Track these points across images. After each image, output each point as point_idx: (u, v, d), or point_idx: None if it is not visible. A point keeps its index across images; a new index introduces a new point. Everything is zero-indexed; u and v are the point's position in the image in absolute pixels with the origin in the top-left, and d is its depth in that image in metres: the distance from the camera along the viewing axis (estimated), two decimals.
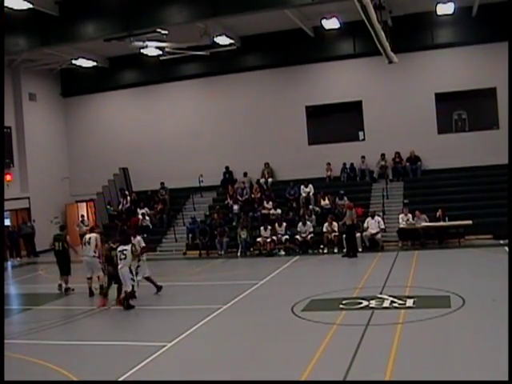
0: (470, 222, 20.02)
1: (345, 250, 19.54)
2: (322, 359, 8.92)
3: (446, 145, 23.99)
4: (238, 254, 21.61)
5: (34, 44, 20.59)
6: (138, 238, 15.40)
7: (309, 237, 20.78)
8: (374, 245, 20.30)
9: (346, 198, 22.12)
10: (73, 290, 16.17)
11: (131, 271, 13.47)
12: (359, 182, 24.70)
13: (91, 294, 15.22)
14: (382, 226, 20.55)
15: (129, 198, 26.61)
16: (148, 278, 15.00)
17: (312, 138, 25.85)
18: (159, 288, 15.02)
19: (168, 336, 10.68)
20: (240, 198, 24.52)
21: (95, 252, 15.22)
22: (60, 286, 16.28)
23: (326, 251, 20.48)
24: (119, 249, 13.58)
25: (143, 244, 15.14)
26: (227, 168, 26.35)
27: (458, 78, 23.93)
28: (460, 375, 7.91)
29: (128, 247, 13.57)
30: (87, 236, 15.58)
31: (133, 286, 13.44)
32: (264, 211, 23.26)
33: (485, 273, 14.98)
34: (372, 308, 11.85)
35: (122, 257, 13.43)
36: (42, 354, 10.28)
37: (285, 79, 26.01)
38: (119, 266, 13.49)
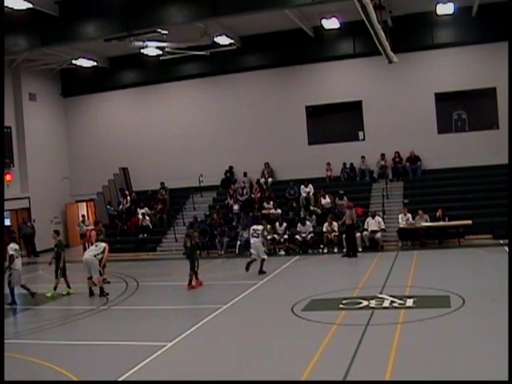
0: (470, 221, 20.01)
1: (345, 250, 19.54)
2: (322, 359, 8.92)
3: (445, 145, 23.99)
4: (237, 251, 21.56)
5: (34, 44, 20.59)
6: (11, 245, 15.19)
7: (309, 237, 20.77)
8: (374, 245, 20.30)
9: (345, 198, 22.12)
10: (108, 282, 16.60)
11: (264, 244, 17.28)
12: (359, 182, 24.69)
13: (91, 293, 15.24)
14: (383, 226, 20.56)
15: (129, 197, 26.61)
16: (24, 286, 15.00)
17: (312, 137, 25.85)
18: (33, 295, 14.93)
19: (168, 336, 10.68)
20: (240, 198, 24.51)
21: (97, 254, 15.31)
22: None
23: (325, 251, 20.48)
24: (253, 227, 17.28)
25: (11, 252, 14.92)
26: (231, 168, 26.32)
27: (458, 78, 23.92)
28: (460, 375, 7.91)
29: (260, 227, 17.34)
30: (102, 243, 15.77)
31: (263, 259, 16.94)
32: (264, 211, 23.26)
33: (485, 273, 15.00)
34: (372, 308, 11.85)
35: (255, 234, 16.99)
36: (42, 354, 10.28)
37: (285, 79, 26.01)
38: (252, 241, 16.99)
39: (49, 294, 15.56)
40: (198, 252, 16.99)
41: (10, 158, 25.78)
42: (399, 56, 21.03)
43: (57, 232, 17.02)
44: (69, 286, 15.92)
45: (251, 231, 17.26)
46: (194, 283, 15.42)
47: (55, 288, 15.68)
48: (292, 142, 25.75)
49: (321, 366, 8.66)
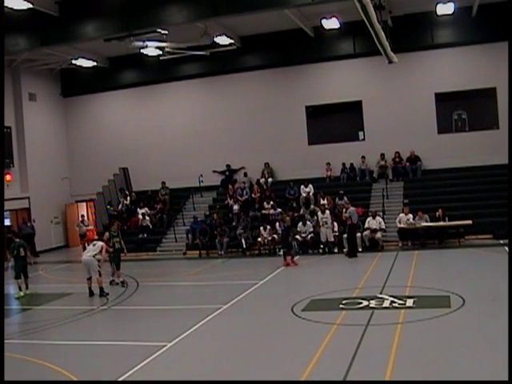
0: (470, 221, 20.01)
1: (345, 250, 19.56)
2: (322, 359, 8.92)
3: (445, 145, 23.98)
4: (244, 246, 21.73)
5: (34, 44, 20.57)
6: None
7: (309, 237, 20.76)
8: (374, 245, 20.30)
9: (345, 198, 22.12)
10: (122, 282, 16.62)
11: (332, 230, 20.19)
12: (359, 182, 24.69)
13: (91, 294, 15.24)
14: (383, 227, 20.55)
15: (129, 197, 26.61)
16: None
17: (312, 137, 25.85)
18: None
19: (168, 336, 10.68)
20: (240, 198, 24.52)
21: (95, 255, 15.32)
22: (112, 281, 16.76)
23: (326, 251, 20.45)
24: (320, 217, 20.34)
25: None
26: (228, 166, 26.30)
27: (458, 78, 23.93)
28: (460, 375, 7.91)
29: (326, 215, 20.18)
30: (98, 242, 15.83)
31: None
32: (264, 211, 23.27)
33: (485, 273, 14.98)
34: (372, 308, 11.85)
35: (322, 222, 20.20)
36: (42, 354, 10.30)
37: (285, 79, 26.00)
38: (322, 231, 19.97)
39: (16, 296, 16.17)
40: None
41: (10, 158, 25.77)
42: (399, 56, 21.02)
43: (15, 234, 17.81)
44: (20, 289, 16.28)
45: (320, 220, 20.14)
46: (288, 261, 18.19)
47: (20, 289, 16.25)
48: (292, 142, 25.76)
49: (321, 366, 8.65)
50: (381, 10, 17.42)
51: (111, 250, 16.53)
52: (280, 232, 19.88)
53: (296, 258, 19.85)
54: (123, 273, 18.46)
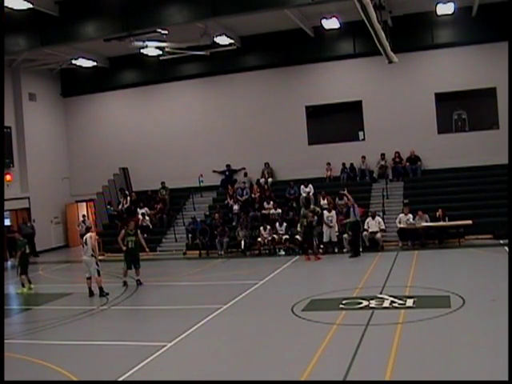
0: (470, 221, 20.01)
1: (344, 250, 19.59)
2: (322, 359, 8.92)
3: (446, 145, 23.98)
4: (242, 247, 21.64)
5: (34, 44, 20.56)
6: None
7: None
8: (374, 245, 20.29)
9: (345, 198, 22.09)
10: (124, 282, 16.52)
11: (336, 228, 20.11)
12: (359, 182, 24.68)
13: (91, 293, 15.23)
14: (383, 227, 20.53)
15: (129, 198, 26.60)
16: None
17: (312, 138, 25.84)
18: None
19: (168, 336, 10.68)
20: (240, 198, 24.52)
21: (93, 251, 15.32)
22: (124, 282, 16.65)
23: (326, 251, 20.44)
24: (326, 215, 19.91)
25: None
26: (228, 166, 26.32)
27: (457, 78, 23.92)
28: (460, 375, 7.91)
29: (332, 214, 20.08)
30: (85, 237, 15.75)
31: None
32: (264, 211, 23.27)
33: (485, 273, 14.99)
34: (372, 308, 11.85)
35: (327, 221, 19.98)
36: (42, 354, 10.29)
37: (285, 79, 26.00)
38: (324, 229, 19.77)
39: (19, 291, 16.75)
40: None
41: (10, 158, 25.77)
42: (399, 56, 21.02)
43: (18, 233, 19.13)
44: (23, 285, 16.81)
45: (325, 219, 19.95)
46: (312, 257, 18.89)
47: (23, 285, 16.78)
48: (292, 142, 25.75)
49: (321, 365, 8.66)
50: (381, 10, 17.39)
51: (125, 248, 16.60)
52: (300, 229, 19.93)
53: (296, 257, 19.90)
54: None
